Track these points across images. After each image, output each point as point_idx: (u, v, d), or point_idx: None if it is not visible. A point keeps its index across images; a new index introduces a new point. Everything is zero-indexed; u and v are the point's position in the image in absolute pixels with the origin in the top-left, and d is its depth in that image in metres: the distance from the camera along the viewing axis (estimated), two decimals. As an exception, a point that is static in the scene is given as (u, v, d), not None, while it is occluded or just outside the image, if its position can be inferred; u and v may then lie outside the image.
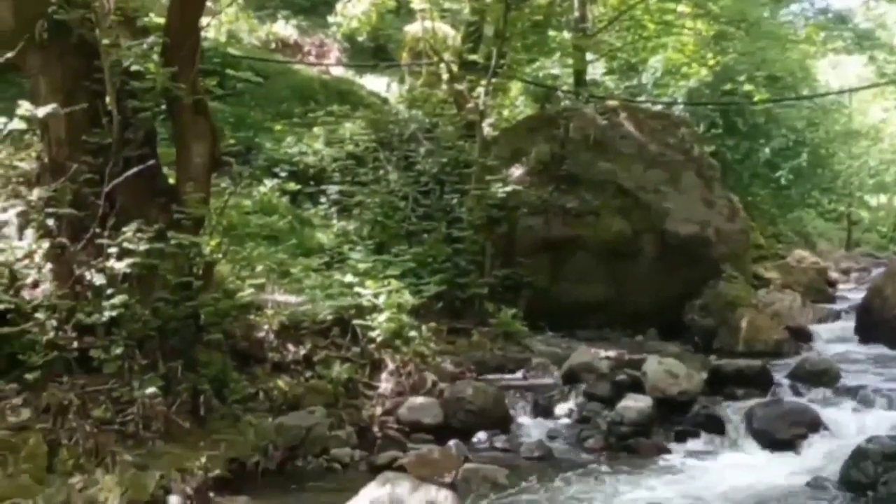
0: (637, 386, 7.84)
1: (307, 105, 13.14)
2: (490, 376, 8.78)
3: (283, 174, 11.37)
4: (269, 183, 11.00)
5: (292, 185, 11.12)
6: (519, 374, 9.02)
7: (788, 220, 19.92)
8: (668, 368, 7.80)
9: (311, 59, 16.55)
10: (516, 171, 11.05)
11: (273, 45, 16.62)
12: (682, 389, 7.65)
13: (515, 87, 12.45)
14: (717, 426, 7.35)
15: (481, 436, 7.35)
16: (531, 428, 7.60)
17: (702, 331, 10.49)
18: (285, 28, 17.11)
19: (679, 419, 7.51)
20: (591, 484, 6.22)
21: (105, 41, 6.58)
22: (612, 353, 9.18)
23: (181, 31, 6.73)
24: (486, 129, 11.27)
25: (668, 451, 7.05)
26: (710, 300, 10.70)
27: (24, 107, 6.36)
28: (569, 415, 7.86)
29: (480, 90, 10.97)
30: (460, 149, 11.37)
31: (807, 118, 19.46)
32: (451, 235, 10.53)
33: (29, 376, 5.95)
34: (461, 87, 11.40)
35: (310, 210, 11.29)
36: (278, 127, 12.36)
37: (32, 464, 5.57)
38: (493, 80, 10.87)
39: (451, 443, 7.02)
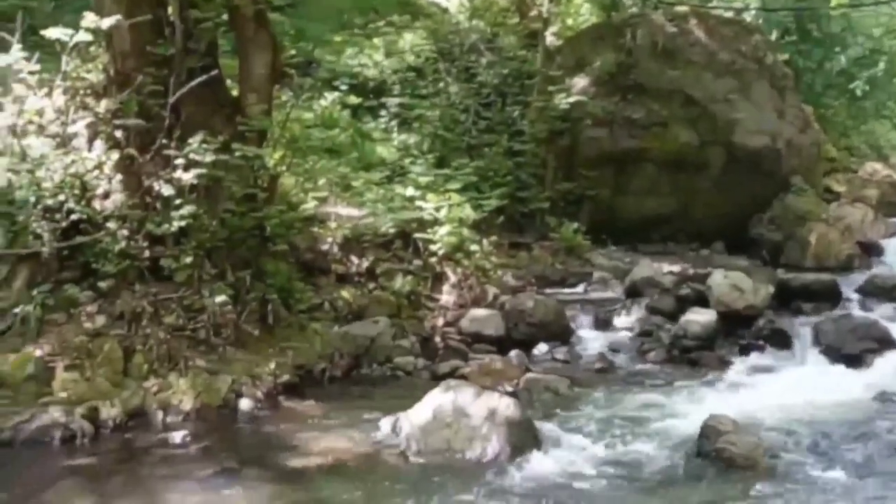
0: (701, 300, 7.76)
1: (367, 16, 12.91)
2: (551, 290, 8.78)
3: (343, 87, 11.29)
4: (329, 96, 10.94)
5: (353, 99, 11.05)
6: (580, 289, 9.01)
7: (862, 132, 19.14)
8: (733, 282, 7.69)
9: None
10: (580, 81, 10.76)
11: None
12: (749, 304, 7.55)
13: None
14: (783, 341, 7.27)
15: (542, 348, 7.41)
16: (592, 341, 7.63)
17: (769, 245, 10.27)
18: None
19: (744, 334, 7.44)
20: (652, 395, 6.25)
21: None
22: (675, 268, 9.07)
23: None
24: (550, 39, 10.96)
25: (732, 365, 7.02)
26: (778, 214, 10.43)
27: (89, 18, 6.37)
28: (630, 328, 7.85)
29: (542, -5, 10.65)
30: (522, 59, 11.10)
31: (885, 25, 18.47)
32: (512, 149, 10.39)
33: (103, 284, 6.15)
34: (523, -5, 11.09)
35: (370, 123, 11.22)
36: (338, 39, 12.22)
37: (109, 368, 5.80)
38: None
39: (513, 354, 7.09)
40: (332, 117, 10.76)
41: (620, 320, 7.96)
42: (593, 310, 8.15)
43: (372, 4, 13.09)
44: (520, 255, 9.68)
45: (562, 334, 7.57)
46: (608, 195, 10.67)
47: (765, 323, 7.46)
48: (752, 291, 7.63)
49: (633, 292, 8.41)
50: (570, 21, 11.88)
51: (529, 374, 6.55)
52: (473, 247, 8.34)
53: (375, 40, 12.11)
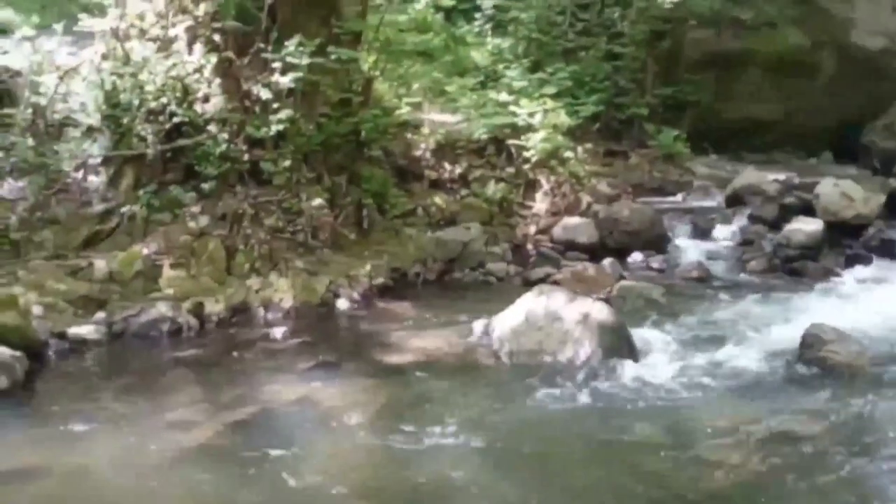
0: (807, 209, 7.48)
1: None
2: (647, 199, 8.60)
3: (437, -16, 11.06)
4: (423, -1, 10.75)
5: (447, 2, 10.81)
6: (678, 197, 8.79)
7: None
8: (843, 191, 7.36)
9: None
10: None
11: None
12: (857, 213, 7.23)
13: None
14: (892, 251, 6.95)
15: (637, 256, 7.29)
16: (689, 250, 7.47)
17: (882, 154, 9.76)
18: None
19: (851, 244, 7.15)
20: (752, 304, 6.10)
21: None
22: (781, 176, 8.72)
23: None
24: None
25: (837, 276, 6.78)
26: (893, 120, 9.86)
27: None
28: (730, 237, 7.65)
29: None
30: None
31: None
32: (610, 52, 10.05)
33: (205, 186, 6.31)
34: None
35: (464, 27, 11.01)
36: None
37: (212, 266, 6.01)
38: None
39: (606, 261, 7.01)
40: (425, 21, 10.59)
41: (720, 229, 7.75)
42: (692, 219, 7.95)
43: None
44: (616, 163, 9.48)
45: (658, 243, 7.43)
46: (711, 100, 10.28)
47: (874, 233, 7.14)
48: (863, 200, 7.30)
49: (735, 201, 8.15)
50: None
51: (623, 282, 6.47)
52: (568, 154, 8.20)
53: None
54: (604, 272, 6.74)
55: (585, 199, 8.12)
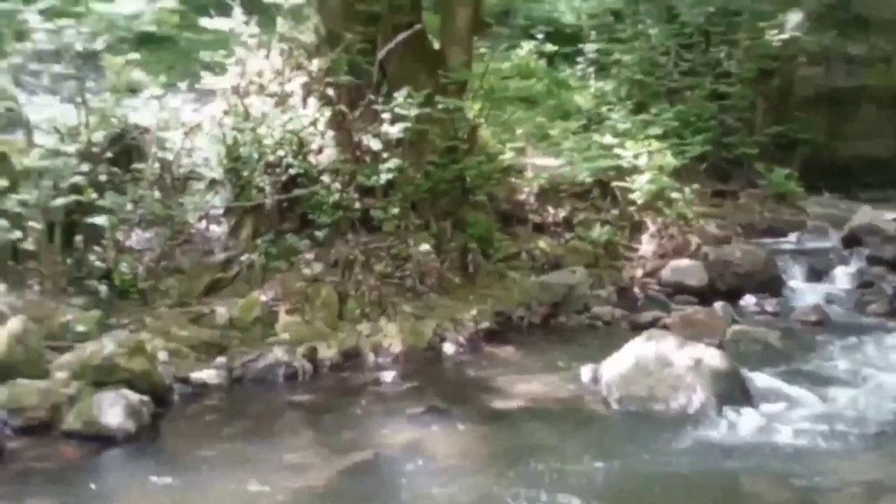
0: (930, 250, 7.16)
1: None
2: (759, 240, 8.41)
3: (539, 35, 11.23)
4: (525, 45, 10.92)
5: (549, 47, 10.96)
6: (791, 238, 8.56)
7: None
8: (968, 231, 7.02)
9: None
10: (793, 16, 10.07)
11: None
12: None
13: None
14: None
15: (749, 299, 7.13)
16: (805, 292, 7.25)
17: None
18: None
19: (979, 286, 6.80)
20: (873, 349, 5.87)
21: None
22: (899, 215, 8.39)
23: None
24: (760, -29, 10.31)
25: (967, 320, 6.45)
26: None
27: (303, -19, 6.69)
28: (848, 279, 7.38)
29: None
30: (728, -6, 10.51)
31: None
32: (716, 91, 9.94)
33: (319, 234, 6.54)
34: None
35: (566, 72, 11.11)
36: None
37: (325, 312, 6.19)
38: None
39: (717, 305, 6.88)
40: (528, 66, 10.74)
41: (837, 271, 7.50)
42: (806, 260, 7.73)
43: (568, -51, 12.83)
44: (725, 204, 9.33)
45: (771, 286, 7.25)
46: (823, 138, 10.02)
47: None
48: None
49: (852, 241, 7.89)
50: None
51: (736, 326, 6.33)
52: (675, 195, 8.12)
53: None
54: (715, 316, 6.61)
55: (694, 240, 8.00)
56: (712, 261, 7.44)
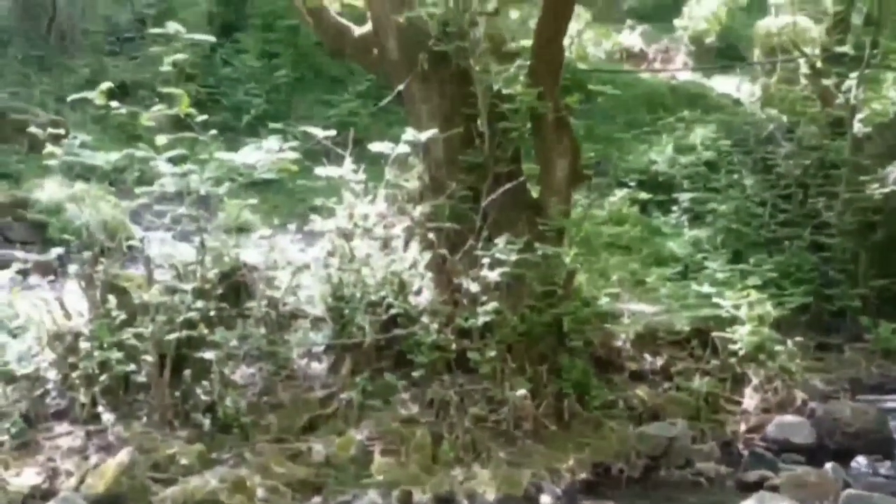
0: None
1: (655, 112, 13.04)
2: (868, 397, 8.05)
3: (632, 183, 11.40)
4: (619, 193, 11.09)
5: (642, 195, 11.10)
6: (902, 396, 8.15)
7: None
8: None
9: (657, 65, 16.39)
10: (892, 171, 10.00)
11: (617, 55, 16.74)
12: None
13: (889, 77, 11.30)
14: None
15: (861, 460, 6.77)
16: (922, 456, 6.84)
17: None
18: (630, 37, 17.14)
19: None
20: None
21: (477, 68, 7.12)
22: None
23: (546, 53, 7.05)
24: (857, 126, 10.35)
25: None
26: None
27: (409, 133, 7.04)
28: (971, 443, 6.95)
29: (849, 84, 10.10)
30: (827, 148, 10.54)
31: None
32: (816, 242, 9.81)
33: (416, 374, 6.59)
34: (828, 81, 10.59)
35: (660, 219, 11.18)
36: (628, 136, 12.42)
37: (420, 454, 6.15)
38: (866, 72, 9.97)
39: (828, 466, 6.53)
40: (621, 213, 10.86)
41: (957, 433, 7.08)
42: (921, 420, 7.33)
43: (661, 101, 13.20)
44: (828, 358, 9.00)
45: (885, 447, 6.88)
46: (930, 293, 9.66)
47: None
48: None
49: (968, 403, 7.47)
50: (877, 106, 11.13)
51: (849, 490, 5.98)
52: (777, 347, 7.90)
53: (664, 136, 12.15)
54: (826, 478, 6.27)
55: (799, 395, 7.71)
56: (820, 418, 7.14)
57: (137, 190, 6.22)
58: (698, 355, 8.05)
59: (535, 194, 7.66)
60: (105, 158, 5.96)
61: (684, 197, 10.93)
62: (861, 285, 9.58)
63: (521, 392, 6.68)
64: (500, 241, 6.74)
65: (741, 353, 7.81)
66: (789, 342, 8.06)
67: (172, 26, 5.96)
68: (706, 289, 8.44)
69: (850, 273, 9.66)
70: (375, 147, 7.04)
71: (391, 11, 7.12)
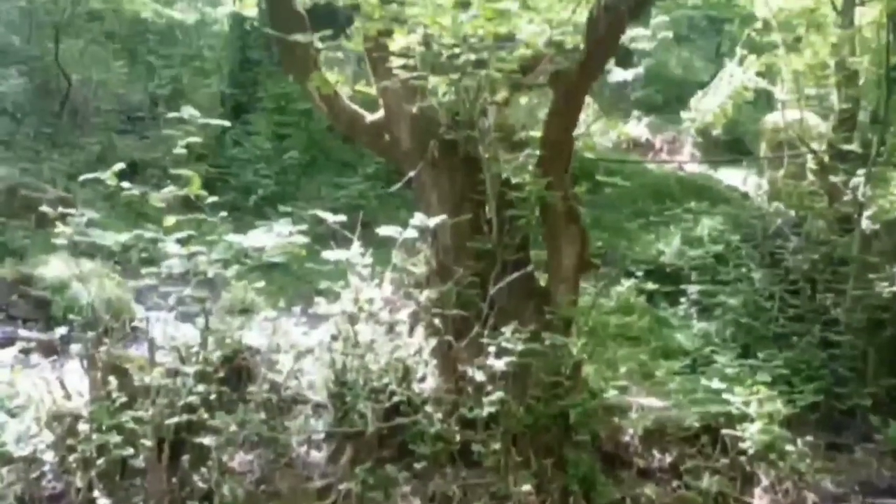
0: None
1: (663, 203, 13.11)
2: (877, 500, 7.81)
3: (639, 273, 11.36)
4: (626, 283, 11.03)
5: (650, 285, 11.04)
6: (917, 500, 7.91)
7: None
8: None
9: (664, 156, 16.57)
10: (903, 267, 9.96)
11: (624, 145, 16.93)
12: None
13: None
14: None
15: (876, 568, 6.52)
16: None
17: None
18: (637, 127, 17.39)
19: None
20: None
21: (486, 156, 7.16)
22: None
23: (555, 144, 7.10)
24: (865, 223, 10.37)
25: None
26: None
27: (418, 218, 7.03)
28: None
29: (857, 181, 10.16)
30: (834, 244, 10.53)
31: None
32: (825, 339, 9.71)
33: (418, 465, 6.41)
34: (835, 178, 10.66)
35: (668, 310, 11.10)
36: (635, 226, 12.45)
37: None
38: (873, 170, 10.04)
39: (842, 573, 6.30)
40: (628, 303, 10.79)
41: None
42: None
43: (668, 191, 13.29)
44: (839, 458, 8.78)
45: (899, 554, 6.64)
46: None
47: None
48: None
49: None
50: (885, 203, 11.17)
51: None
52: (788, 447, 7.71)
53: (672, 227, 12.18)
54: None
55: (810, 497, 7.48)
56: (833, 522, 6.91)
57: (144, 270, 6.18)
58: (707, 453, 7.84)
59: (542, 282, 7.61)
60: (114, 238, 5.94)
61: (692, 289, 10.87)
62: (871, 384, 9.43)
63: (526, 487, 6.48)
64: (507, 330, 6.66)
65: (751, 451, 7.62)
66: (800, 441, 7.87)
67: (186, 110, 6.02)
68: (715, 384, 8.29)
69: (859, 371, 9.53)
70: (383, 231, 7.02)
71: (403, 101, 7.21)
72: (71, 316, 7.47)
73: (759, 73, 12.51)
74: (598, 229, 12.34)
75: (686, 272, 11.37)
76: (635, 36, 7.82)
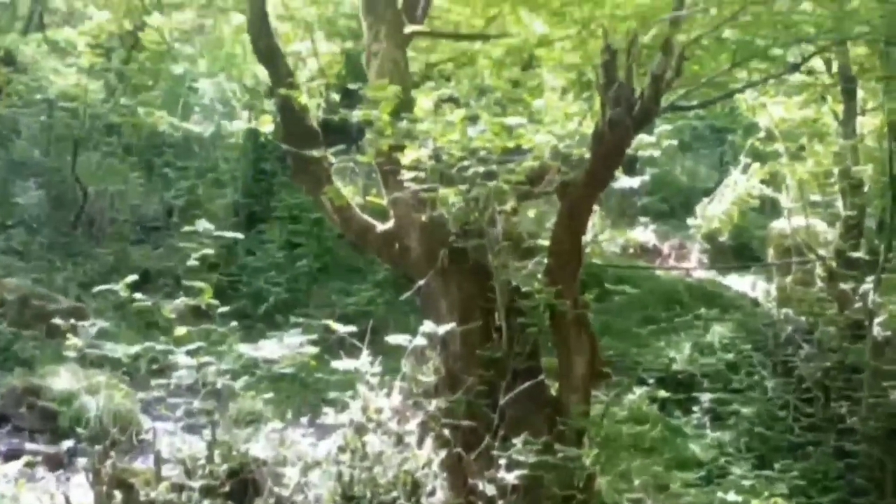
0: None
1: (672, 309, 13.08)
2: None
3: (650, 381, 11.23)
4: (638, 391, 10.89)
5: (661, 393, 10.89)
6: None
7: None
8: None
9: (671, 262, 16.63)
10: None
11: (632, 251, 17.02)
12: None
13: (906, 281, 11.38)
14: None
15: None
16: None
17: None
18: (644, 234, 17.51)
19: None
20: None
21: (496, 264, 7.21)
22: None
23: (564, 251, 7.16)
24: (876, 330, 10.30)
25: None
26: None
27: (428, 326, 7.02)
28: None
29: (866, 288, 10.17)
30: (846, 351, 10.44)
31: None
32: (841, 448, 9.52)
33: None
34: (845, 285, 10.66)
35: (680, 419, 10.92)
36: (645, 333, 12.39)
37: None
38: (882, 277, 10.06)
39: None
40: (640, 412, 10.62)
41: None
42: None
43: (677, 298, 13.28)
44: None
45: None
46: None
47: None
48: None
49: None
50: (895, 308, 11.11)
51: None
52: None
53: (682, 334, 12.12)
54: None
55: None
56: None
57: (153, 382, 6.16)
58: (727, 567, 7.62)
59: (553, 391, 7.53)
60: (124, 351, 5.95)
61: (705, 397, 10.73)
62: (889, 495, 9.18)
63: None
64: (518, 441, 6.55)
65: (772, 565, 7.39)
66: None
67: (201, 223, 6.13)
68: (732, 496, 8.11)
69: (877, 481, 9.31)
70: (392, 339, 7.01)
71: (413, 210, 7.32)
72: (78, 428, 7.39)
73: (763, 181, 12.70)
74: (608, 336, 12.27)
75: (699, 379, 11.24)
76: (640, 144, 7.98)
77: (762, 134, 12.63)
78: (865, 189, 11.74)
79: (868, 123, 11.81)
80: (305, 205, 14.55)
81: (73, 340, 5.99)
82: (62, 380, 9.33)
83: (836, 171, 11.90)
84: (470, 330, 7.12)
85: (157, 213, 15.86)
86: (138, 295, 6.15)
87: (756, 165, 12.64)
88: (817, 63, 10.67)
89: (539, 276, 7.40)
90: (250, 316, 12.89)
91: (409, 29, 7.95)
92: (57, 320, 6.17)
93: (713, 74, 7.64)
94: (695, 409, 10.76)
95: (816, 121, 12.13)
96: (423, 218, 7.27)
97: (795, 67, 8.61)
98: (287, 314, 12.59)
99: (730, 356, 11.25)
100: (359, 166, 8.51)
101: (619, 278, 13.27)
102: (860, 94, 11.40)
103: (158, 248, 14.66)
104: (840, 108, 11.56)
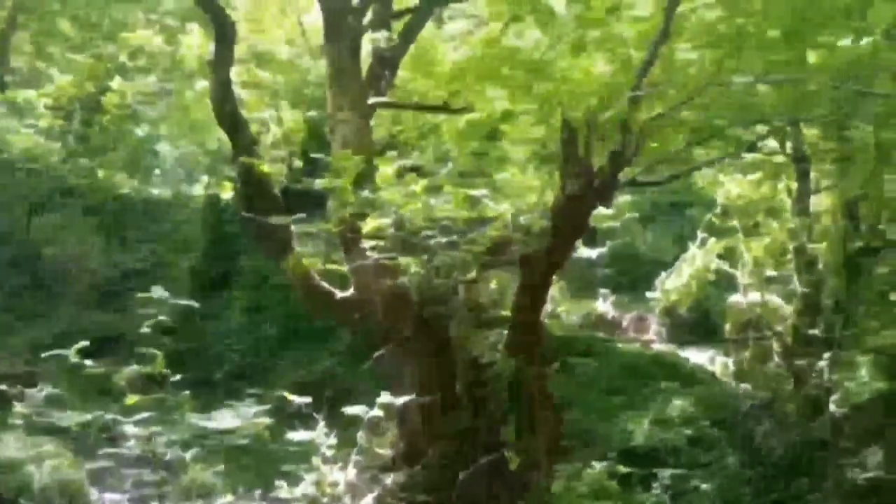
0: None
1: (633, 381, 13.02)
2: None
3: (611, 455, 11.09)
4: (598, 465, 10.75)
5: (621, 468, 10.76)
6: None
7: None
8: None
9: (631, 334, 16.65)
10: (873, 455, 9.84)
11: (591, 323, 17.02)
12: None
13: (863, 359, 11.47)
14: None
15: None
16: None
17: None
18: (603, 305, 17.56)
19: None
20: None
21: (456, 335, 7.17)
22: None
23: (525, 323, 7.15)
24: (833, 407, 10.34)
25: None
26: None
27: (384, 398, 6.93)
28: None
29: (822, 364, 10.24)
30: (806, 428, 10.44)
31: None
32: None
33: None
34: (801, 362, 10.73)
35: (641, 495, 10.76)
36: (605, 406, 12.29)
37: None
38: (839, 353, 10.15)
39: None
40: (602, 488, 10.47)
41: None
42: None
43: (638, 371, 13.25)
44: None
45: None
46: None
47: None
48: None
49: None
50: (852, 386, 11.18)
51: None
52: None
53: (643, 409, 12.04)
54: None
55: None
56: None
57: (101, 451, 5.95)
58: None
59: (513, 465, 7.40)
60: (73, 419, 5.76)
61: (664, 473, 10.60)
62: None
63: None
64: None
65: None
66: None
67: (156, 290, 6.02)
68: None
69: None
70: (350, 410, 6.90)
71: (375, 278, 7.28)
72: (21, 500, 7.07)
73: (720, 256, 12.87)
74: (569, 408, 12.17)
75: (661, 454, 11.13)
76: (600, 216, 8.07)
77: (718, 210, 12.85)
78: (820, 266, 11.93)
79: (822, 202, 12.06)
80: (268, 270, 14.40)
81: (19, 408, 5.79)
82: (7, 447, 8.96)
83: (791, 247, 12.09)
84: (430, 402, 7.02)
85: (115, 277, 15.59)
86: (89, 361, 5.99)
87: (713, 240, 12.82)
88: (773, 142, 10.93)
89: (500, 347, 7.37)
90: (209, 382, 12.58)
91: (373, 100, 8.03)
92: (2, 387, 5.95)
93: (672, 151, 7.79)
94: (654, 485, 10.62)
95: (772, 198, 12.37)
96: (386, 286, 7.23)
97: (752, 146, 8.82)
98: (249, 380, 12.31)
99: (690, 431, 11.16)
100: (322, 231, 8.47)
101: (581, 351, 13.22)
102: (812, 173, 11.66)
103: (116, 312, 14.35)
104: (794, 186, 11.81)
